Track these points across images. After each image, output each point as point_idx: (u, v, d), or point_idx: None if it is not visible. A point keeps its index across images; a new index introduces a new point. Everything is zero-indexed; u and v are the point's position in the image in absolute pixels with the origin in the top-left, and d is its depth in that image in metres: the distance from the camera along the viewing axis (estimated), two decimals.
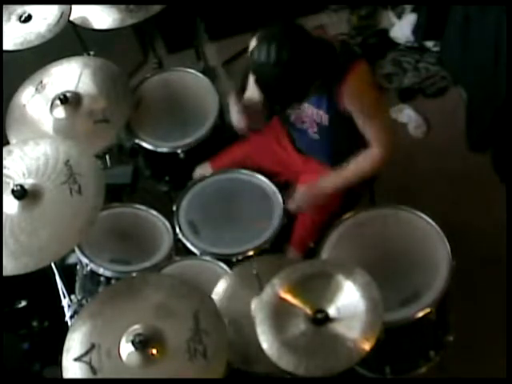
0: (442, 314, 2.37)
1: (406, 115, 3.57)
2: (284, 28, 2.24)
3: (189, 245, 2.55)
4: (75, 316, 2.52)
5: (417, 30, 3.71)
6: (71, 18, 2.89)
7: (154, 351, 1.95)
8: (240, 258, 2.48)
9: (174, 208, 2.64)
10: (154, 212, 2.69)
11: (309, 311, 2.03)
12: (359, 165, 2.45)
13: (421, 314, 2.26)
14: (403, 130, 3.51)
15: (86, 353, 1.97)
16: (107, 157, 3.04)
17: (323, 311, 2.02)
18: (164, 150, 2.85)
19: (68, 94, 2.63)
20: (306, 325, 2.01)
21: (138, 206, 2.73)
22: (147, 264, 2.53)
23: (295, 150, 2.71)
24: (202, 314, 2.00)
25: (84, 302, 2.61)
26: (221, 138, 2.88)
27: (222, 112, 2.86)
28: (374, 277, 2.04)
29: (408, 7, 3.87)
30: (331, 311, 2.02)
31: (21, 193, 2.16)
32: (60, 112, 2.63)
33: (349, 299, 2.03)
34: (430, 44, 3.75)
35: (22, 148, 2.31)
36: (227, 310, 2.18)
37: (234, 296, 2.28)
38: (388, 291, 2.08)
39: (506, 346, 2.50)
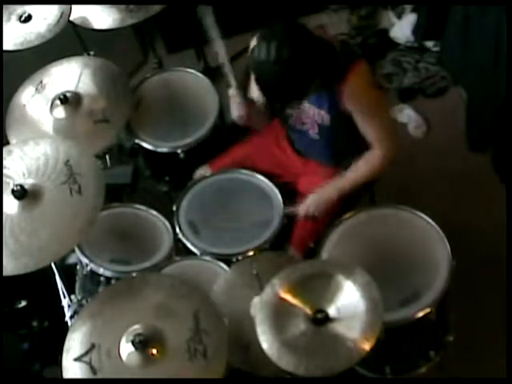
0: (442, 313, 2.37)
1: (406, 115, 3.57)
2: (285, 26, 2.23)
3: (189, 245, 2.55)
4: (75, 316, 2.52)
5: (417, 30, 3.71)
6: (71, 18, 2.89)
7: (154, 351, 1.95)
8: (240, 258, 2.47)
9: (174, 208, 2.64)
10: (154, 212, 2.69)
11: (309, 311, 2.03)
12: (362, 167, 2.45)
13: (421, 314, 2.25)
14: (403, 130, 3.51)
15: (86, 353, 1.97)
16: (107, 157, 3.04)
17: (323, 311, 2.01)
18: (164, 150, 2.85)
19: (68, 94, 2.63)
20: (306, 325, 2.01)
21: (138, 206, 2.72)
22: (147, 264, 2.52)
23: (294, 152, 2.71)
24: (202, 314, 2.00)
25: (84, 302, 2.61)
26: (221, 138, 2.88)
27: (222, 112, 2.86)
28: (374, 277, 2.04)
29: (408, 7, 3.86)
30: (331, 311, 2.02)
31: (21, 193, 2.16)
32: (60, 112, 2.63)
33: (349, 299, 2.03)
34: (430, 44, 3.75)
35: (22, 148, 2.31)
36: (227, 310, 2.17)
37: (234, 296, 2.28)
38: (388, 291, 2.07)
39: (506, 345, 2.50)
